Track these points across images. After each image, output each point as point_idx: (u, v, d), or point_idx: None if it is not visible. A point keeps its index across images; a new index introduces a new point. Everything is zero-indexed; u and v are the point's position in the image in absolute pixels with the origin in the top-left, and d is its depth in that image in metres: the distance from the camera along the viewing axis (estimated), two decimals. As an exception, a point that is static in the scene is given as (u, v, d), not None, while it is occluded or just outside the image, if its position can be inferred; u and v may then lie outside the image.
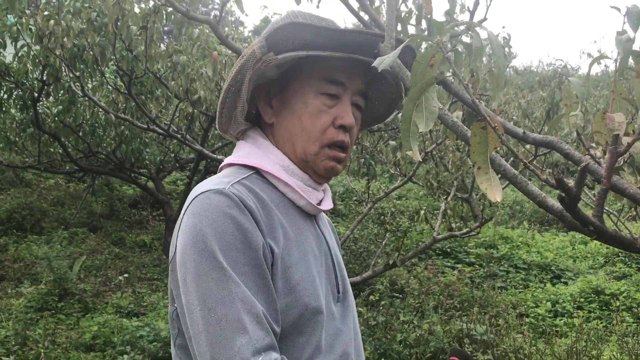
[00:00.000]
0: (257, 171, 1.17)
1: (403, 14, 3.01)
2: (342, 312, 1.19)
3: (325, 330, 1.11)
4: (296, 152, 1.18)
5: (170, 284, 1.11)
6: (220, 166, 1.23)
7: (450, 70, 1.09)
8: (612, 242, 1.13)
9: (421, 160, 1.10)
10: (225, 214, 1.02)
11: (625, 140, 1.65)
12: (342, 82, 1.17)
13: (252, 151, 1.19)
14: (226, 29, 6.65)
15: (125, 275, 7.15)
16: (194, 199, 1.07)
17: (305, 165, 1.18)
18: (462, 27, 1.73)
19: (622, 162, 1.88)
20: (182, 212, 1.09)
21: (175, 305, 1.09)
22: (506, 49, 6.13)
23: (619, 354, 4.60)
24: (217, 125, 1.25)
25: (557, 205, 1.19)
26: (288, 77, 1.19)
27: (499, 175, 1.39)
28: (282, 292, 1.05)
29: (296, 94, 1.18)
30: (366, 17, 2.62)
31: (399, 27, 2.89)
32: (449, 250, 8.39)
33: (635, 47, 1.49)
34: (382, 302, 5.43)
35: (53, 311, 5.79)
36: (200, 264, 1.00)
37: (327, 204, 1.25)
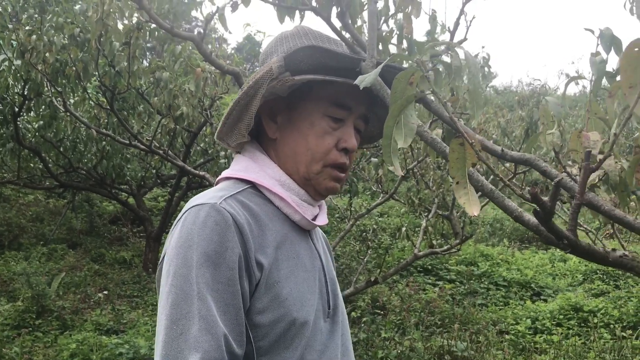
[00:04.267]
0: (253, 185, 1.19)
1: (384, 33, 3.06)
2: (331, 329, 1.20)
3: (312, 346, 1.12)
4: (299, 171, 1.20)
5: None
6: (217, 179, 1.24)
7: (430, 89, 1.12)
8: (585, 255, 1.16)
9: (403, 174, 1.13)
10: (212, 229, 1.04)
11: (600, 158, 1.71)
12: (349, 107, 1.20)
13: (249, 165, 1.21)
14: (209, 46, 6.68)
15: (105, 292, 7.07)
16: (186, 211, 1.09)
17: (307, 183, 1.20)
18: (442, 47, 1.77)
19: (597, 180, 1.93)
20: (175, 223, 1.11)
21: None
22: (486, 69, 6.25)
23: (597, 370, 4.65)
24: (216, 134, 1.25)
25: (532, 219, 1.22)
26: (296, 96, 1.21)
27: (479, 194, 1.42)
28: (270, 307, 1.07)
29: (303, 113, 1.20)
30: (348, 37, 2.66)
31: (380, 47, 2.93)
32: (430, 267, 8.43)
33: (608, 68, 1.54)
34: (364, 319, 5.43)
35: (30, 329, 5.69)
36: (177, 275, 1.03)
37: (322, 220, 1.26)
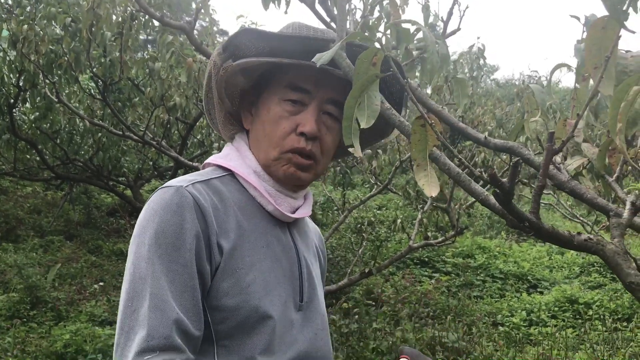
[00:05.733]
0: (232, 173, 1.20)
1: (371, 21, 3.05)
2: (303, 322, 1.19)
3: (282, 337, 1.12)
4: (260, 158, 1.20)
5: None
6: (203, 164, 1.26)
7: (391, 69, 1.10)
8: (549, 239, 1.15)
9: (362, 156, 1.11)
10: (173, 211, 1.05)
11: (585, 146, 1.69)
12: (307, 90, 1.18)
13: (231, 153, 1.23)
14: (208, 38, 6.66)
15: (101, 283, 7.07)
16: (154, 192, 1.12)
17: (269, 171, 1.20)
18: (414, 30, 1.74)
19: (582, 168, 1.91)
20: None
21: None
22: (481, 60, 6.24)
23: (589, 362, 4.65)
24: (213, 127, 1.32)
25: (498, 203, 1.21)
26: (262, 86, 1.22)
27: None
28: (231, 292, 1.07)
29: (264, 101, 1.21)
30: (334, 26, 2.65)
31: (366, 34, 2.91)
32: (426, 259, 8.42)
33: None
34: (355, 310, 5.43)
35: (24, 319, 5.70)
36: (137, 254, 1.05)
37: (303, 212, 1.25)
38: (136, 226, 1.08)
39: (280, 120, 1.17)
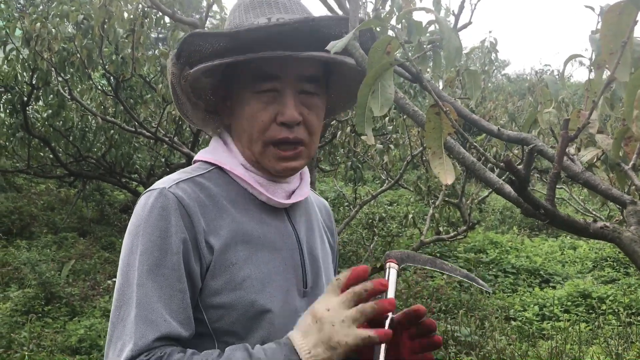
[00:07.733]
0: (219, 167, 1.18)
1: (383, 14, 3.04)
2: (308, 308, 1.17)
3: (281, 328, 1.09)
4: (245, 154, 1.17)
5: None
6: (193, 160, 1.25)
7: (405, 57, 1.10)
8: (565, 226, 1.14)
9: (375, 143, 1.11)
10: (157, 215, 1.05)
11: (599, 137, 1.68)
12: (275, 75, 1.13)
13: (217, 147, 1.21)
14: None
15: (114, 279, 7.11)
16: (141, 196, 1.11)
17: (259, 166, 1.17)
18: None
19: (596, 159, 1.90)
20: None
21: None
22: (493, 55, 6.20)
23: (602, 356, 4.62)
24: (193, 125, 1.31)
25: (514, 192, 1.21)
26: (231, 81, 1.19)
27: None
28: (225, 289, 1.07)
29: (237, 97, 1.17)
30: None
31: (378, 29, 2.91)
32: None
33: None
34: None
35: (40, 315, 5.76)
36: (124, 262, 1.06)
37: (299, 195, 1.22)
38: (126, 233, 1.08)
39: (257, 114, 1.13)
